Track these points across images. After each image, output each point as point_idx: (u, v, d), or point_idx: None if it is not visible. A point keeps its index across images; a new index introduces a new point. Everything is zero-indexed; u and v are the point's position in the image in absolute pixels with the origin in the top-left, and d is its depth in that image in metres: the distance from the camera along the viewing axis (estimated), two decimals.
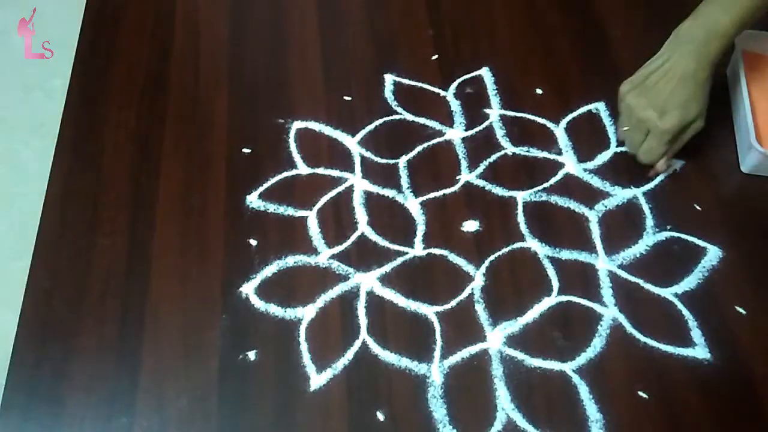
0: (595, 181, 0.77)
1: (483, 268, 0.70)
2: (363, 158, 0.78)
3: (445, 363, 0.65)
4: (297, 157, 0.77)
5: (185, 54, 0.85)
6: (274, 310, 0.67)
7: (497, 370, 0.65)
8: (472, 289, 0.69)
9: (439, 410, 0.62)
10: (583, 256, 0.72)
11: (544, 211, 0.75)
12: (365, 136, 0.79)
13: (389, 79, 0.84)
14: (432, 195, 0.75)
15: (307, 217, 0.73)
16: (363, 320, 0.67)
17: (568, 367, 0.65)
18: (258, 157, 0.77)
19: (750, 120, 0.76)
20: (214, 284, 0.68)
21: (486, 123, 0.81)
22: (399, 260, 0.71)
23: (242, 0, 0.91)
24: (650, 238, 0.73)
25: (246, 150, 0.77)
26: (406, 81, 0.84)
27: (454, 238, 0.72)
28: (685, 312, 0.68)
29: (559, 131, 0.80)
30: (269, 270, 0.69)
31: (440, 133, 0.80)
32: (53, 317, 0.66)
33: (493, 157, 0.78)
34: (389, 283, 0.69)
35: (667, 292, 0.70)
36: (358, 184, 0.76)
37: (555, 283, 0.70)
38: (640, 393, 0.64)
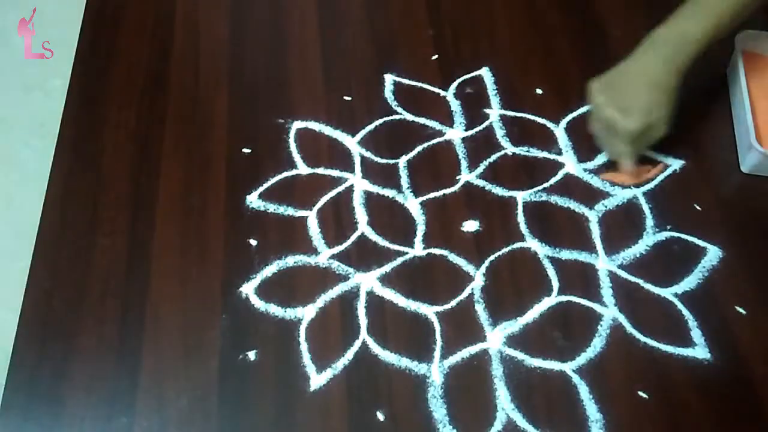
0: (595, 181, 0.77)
1: (483, 268, 0.70)
2: (363, 158, 0.78)
3: (445, 363, 0.65)
4: (297, 157, 0.77)
5: (185, 54, 0.85)
6: (274, 310, 0.67)
7: (497, 370, 0.65)
8: (472, 289, 0.69)
9: (439, 410, 0.62)
10: (583, 256, 0.72)
11: (544, 211, 0.75)
12: (365, 136, 0.79)
13: (389, 79, 0.84)
14: (432, 195, 0.75)
15: (307, 217, 0.73)
16: (363, 320, 0.67)
17: (568, 367, 0.65)
18: (258, 157, 0.77)
19: (750, 120, 0.76)
20: (214, 284, 0.68)
21: (486, 123, 0.81)
22: (399, 260, 0.71)
23: (242, 0, 0.91)
24: (650, 238, 0.73)
25: (246, 150, 0.77)
26: (406, 81, 0.84)
27: (454, 238, 0.72)
28: (685, 312, 0.68)
29: (559, 131, 0.80)
30: (269, 270, 0.69)
31: (440, 133, 0.80)
32: (53, 317, 0.66)
33: (493, 157, 0.78)
34: (389, 283, 0.69)
35: (667, 292, 0.70)
36: (358, 184, 0.76)
37: (555, 283, 0.70)
38: (640, 393, 0.64)
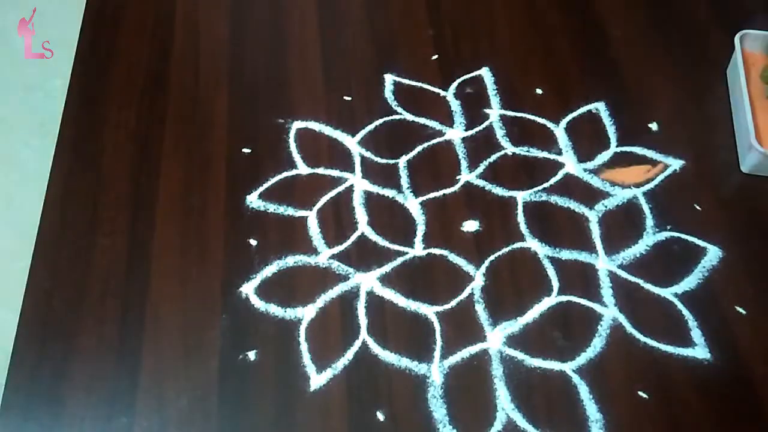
0: (595, 181, 0.77)
1: (483, 268, 0.70)
2: (363, 158, 0.78)
3: (445, 363, 0.65)
4: (297, 157, 0.77)
5: (185, 54, 0.85)
6: (274, 310, 0.67)
7: (497, 370, 0.65)
8: (472, 289, 0.69)
9: (439, 410, 0.62)
10: (583, 256, 0.72)
11: (544, 211, 0.75)
12: (365, 136, 0.79)
13: (389, 79, 0.84)
14: (432, 195, 0.75)
15: (307, 217, 0.73)
16: (363, 320, 0.67)
17: (568, 367, 0.65)
18: (258, 157, 0.77)
19: (750, 120, 0.76)
20: (214, 284, 0.68)
21: (486, 123, 0.81)
22: (399, 260, 0.71)
23: (242, 0, 0.91)
24: (650, 238, 0.73)
25: (246, 150, 0.77)
26: (406, 81, 0.84)
27: (454, 238, 0.72)
28: (685, 312, 0.68)
29: (559, 131, 0.80)
30: (269, 270, 0.69)
31: (440, 133, 0.80)
32: (53, 317, 0.66)
33: (493, 157, 0.78)
34: (389, 283, 0.69)
35: (667, 292, 0.70)
36: (358, 184, 0.76)
37: (555, 283, 0.70)
38: (640, 393, 0.64)
